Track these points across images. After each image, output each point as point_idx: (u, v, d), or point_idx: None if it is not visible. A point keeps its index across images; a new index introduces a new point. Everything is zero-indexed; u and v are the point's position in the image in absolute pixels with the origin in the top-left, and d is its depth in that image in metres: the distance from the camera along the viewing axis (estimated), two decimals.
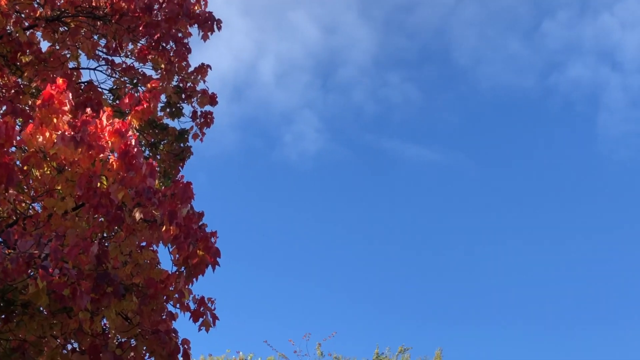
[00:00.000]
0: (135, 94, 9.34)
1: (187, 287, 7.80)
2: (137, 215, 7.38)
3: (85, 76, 13.66)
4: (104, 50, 13.35)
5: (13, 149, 7.79)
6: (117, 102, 11.95)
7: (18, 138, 7.56)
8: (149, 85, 9.03)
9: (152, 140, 14.57)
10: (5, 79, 12.14)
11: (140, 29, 12.26)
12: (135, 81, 13.72)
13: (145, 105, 8.55)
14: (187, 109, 14.36)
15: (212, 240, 7.58)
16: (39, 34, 12.24)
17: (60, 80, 7.94)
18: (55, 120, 7.61)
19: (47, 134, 7.53)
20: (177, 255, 7.51)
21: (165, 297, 7.66)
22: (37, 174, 8.04)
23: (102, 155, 7.64)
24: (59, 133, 7.48)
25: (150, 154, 14.42)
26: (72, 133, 7.49)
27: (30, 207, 8.67)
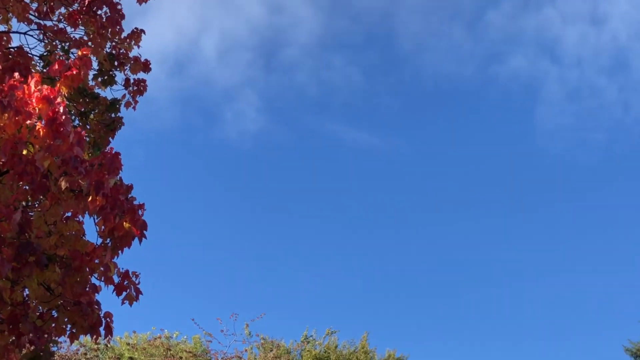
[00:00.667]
0: (66, 61, 9.12)
1: (112, 260, 7.68)
2: (63, 184, 7.22)
3: (15, 41, 13.31)
4: (35, 14, 13.01)
5: None
6: (47, 69, 11.67)
7: None
8: (79, 52, 8.80)
9: (83, 109, 14.28)
10: None
11: None
12: (67, 47, 13.41)
13: (75, 72, 8.35)
14: (119, 77, 14.12)
15: (140, 212, 7.47)
16: None
17: None
18: None
19: None
20: (102, 227, 7.38)
21: (89, 270, 7.53)
22: None
23: (28, 121, 7.45)
24: None
25: (80, 124, 14.14)
26: None
27: None
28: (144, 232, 7.50)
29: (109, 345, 30.41)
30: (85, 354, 27.93)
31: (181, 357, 29.16)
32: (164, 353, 28.40)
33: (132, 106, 14.04)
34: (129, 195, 7.85)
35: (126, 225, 7.30)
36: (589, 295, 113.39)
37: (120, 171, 7.59)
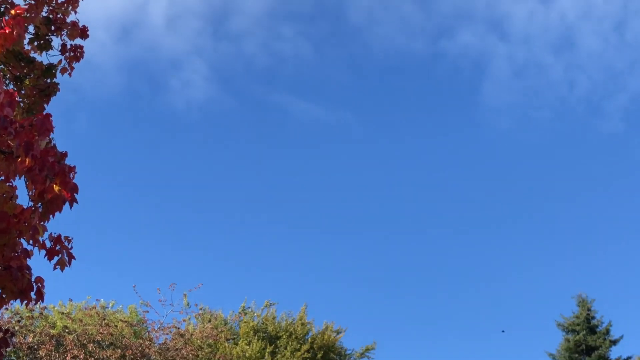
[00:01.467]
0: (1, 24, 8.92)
1: (42, 223, 7.58)
2: None
3: None
4: None
5: None
6: None
7: None
8: (13, 11, 8.62)
9: (18, 74, 14.04)
10: None
11: None
12: (2, 9, 13.12)
13: (7, 31, 8.16)
14: (56, 42, 13.90)
15: (71, 175, 7.38)
16: None
17: None
18: None
19: None
20: (32, 190, 7.27)
21: (18, 232, 7.42)
22: None
23: None
24: None
25: (15, 89, 13.88)
26: None
27: None
28: (75, 195, 7.41)
29: (42, 314, 30.10)
30: (19, 321, 27.59)
31: (116, 327, 29.00)
32: (99, 322, 28.20)
33: (68, 72, 13.83)
34: (62, 163, 7.73)
35: (56, 188, 7.19)
36: (528, 275, 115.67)
37: (51, 133, 7.48)
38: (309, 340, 44.19)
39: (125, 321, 30.73)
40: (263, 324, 43.84)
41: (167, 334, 29.71)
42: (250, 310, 45.17)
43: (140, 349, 27.20)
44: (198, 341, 33.89)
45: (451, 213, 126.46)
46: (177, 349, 28.57)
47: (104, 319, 28.94)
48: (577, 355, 51.22)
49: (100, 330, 27.19)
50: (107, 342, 27.32)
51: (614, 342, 50.98)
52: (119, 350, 26.38)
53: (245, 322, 42.88)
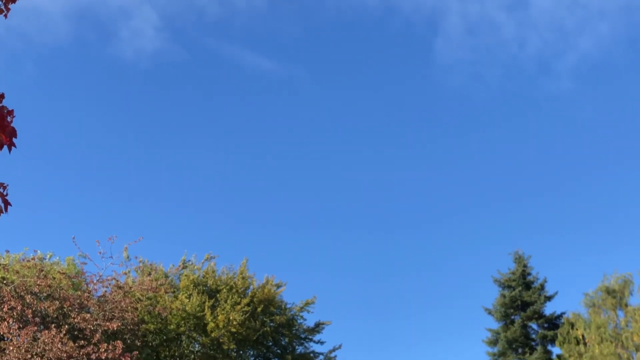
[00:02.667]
0: None
1: None
2: None
3: None
4: None
5: None
6: None
7: None
8: None
9: None
10: None
11: None
12: None
13: None
14: None
15: (9, 119, 7.11)
16: None
17: None
18: None
19: None
20: None
21: None
22: None
23: None
24: None
25: None
26: None
27: None
28: (13, 139, 7.15)
29: None
30: None
31: (54, 279, 28.58)
32: (37, 274, 27.73)
33: (4, 14, 13.33)
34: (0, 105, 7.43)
35: None
36: (467, 231, 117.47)
37: None
38: (250, 294, 44.29)
39: (64, 273, 30.31)
40: (203, 277, 43.74)
41: (106, 286, 29.43)
42: (190, 263, 45.00)
43: (78, 301, 26.90)
44: (137, 294, 33.67)
45: (398, 164, 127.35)
46: (116, 302, 28.32)
47: (42, 271, 28.48)
48: (512, 310, 52.46)
49: (38, 282, 26.76)
50: (45, 294, 26.93)
51: (549, 298, 52.31)
52: (57, 302, 26.05)
53: (185, 275, 42.72)
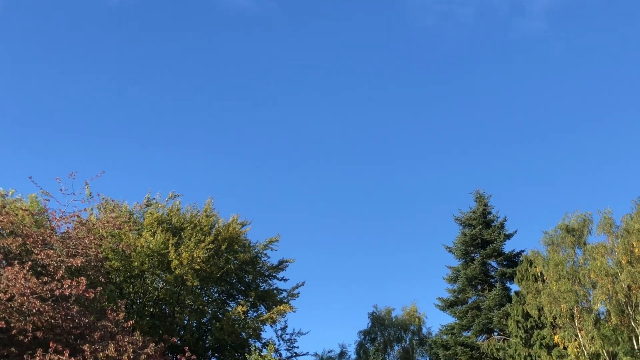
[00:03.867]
0: None
1: None
2: None
3: None
4: None
5: None
6: None
7: None
8: None
9: None
10: None
11: None
12: None
13: None
14: None
15: None
16: None
17: None
18: None
19: None
20: None
21: None
22: None
23: None
24: None
25: None
26: None
27: None
28: None
29: None
30: None
31: (17, 215, 28.37)
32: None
33: None
34: None
35: None
36: (429, 171, 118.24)
37: None
38: (214, 232, 44.45)
39: (26, 210, 30.09)
40: (167, 215, 43.75)
41: (68, 222, 29.25)
42: (154, 201, 44.92)
43: (41, 237, 26.76)
44: (101, 231, 33.60)
45: (366, 104, 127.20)
46: (79, 238, 28.23)
47: (4, 207, 28.24)
48: (472, 248, 53.32)
49: (0, 219, 26.55)
50: (7, 231, 26.76)
51: (508, 237, 53.20)
52: (20, 239, 25.90)
53: (149, 213, 42.68)
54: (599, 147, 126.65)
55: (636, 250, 38.07)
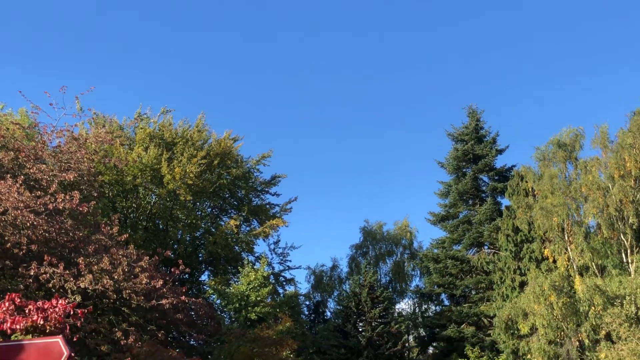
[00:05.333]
0: None
1: None
2: None
3: None
4: None
5: None
6: None
7: None
8: None
9: None
10: None
11: None
12: None
13: None
14: None
15: None
16: None
17: None
18: None
19: None
20: None
21: None
22: None
23: None
24: None
25: None
26: None
27: None
28: None
29: None
30: None
31: (8, 129, 28.10)
32: None
33: None
34: None
35: None
36: (422, 87, 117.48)
37: None
38: (206, 147, 44.34)
39: (17, 124, 29.79)
40: (159, 130, 43.50)
41: (60, 137, 28.98)
42: (145, 116, 44.60)
43: (33, 152, 26.54)
44: (93, 146, 33.39)
45: (363, 12, 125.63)
46: (71, 153, 28.03)
47: None
48: (464, 163, 53.42)
49: None
50: None
51: (500, 152, 53.25)
52: (12, 153, 25.70)
53: (141, 128, 42.43)
54: (594, 63, 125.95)
55: (628, 165, 38.15)
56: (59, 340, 7.62)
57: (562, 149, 42.35)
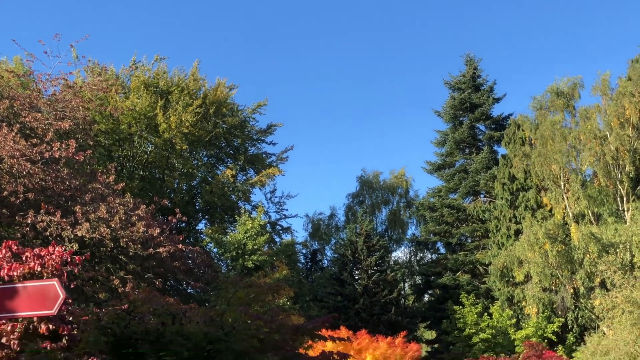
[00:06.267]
0: None
1: None
2: None
3: None
4: None
5: None
6: None
7: None
8: None
9: None
10: None
11: None
12: None
13: None
14: None
15: None
16: None
17: None
18: None
19: None
20: None
21: None
22: None
23: None
24: None
25: None
26: None
27: None
28: None
29: None
30: None
31: (2, 77, 27.88)
32: None
33: None
34: None
35: None
36: (422, 35, 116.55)
37: None
38: (201, 96, 44.12)
39: (11, 72, 29.53)
40: (154, 78, 43.21)
41: (55, 85, 28.78)
42: (141, 64, 44.24)
43: (28, 100, 26.37)
44: (88, 94, 33.22)
45: None
46: (66, 101, 27.86)
47: None
48: (461, 112, 53.25)
49: None
50: None
51: (497, 100, 53.03)
52: (7, 101, 25.53)
53: (136, 76, 42.14)
54: (594, 10, 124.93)
55: (627, 113, 38.04)
56: (55, 283, 7.65)
57: (560, 98, 42.23)
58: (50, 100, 27.87)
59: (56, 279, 8.15)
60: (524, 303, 40.13)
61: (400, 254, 68.43)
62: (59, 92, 28.84)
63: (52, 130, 25.57)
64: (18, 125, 24.84)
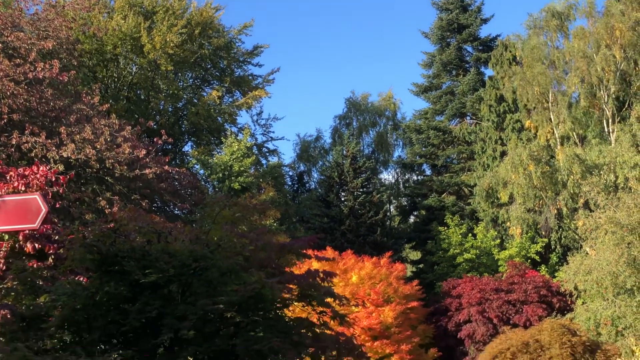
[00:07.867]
0: None
1: None
2: None
3: None
4: None
5: None
6: None
7: None
8: None
9: None
10: None
11: None
12: None
13: None
14: None
15: None
16: None
17: None
18: None
19: None
20: None
21: None
22: None
23: None
24: None
25: None
26: None
27: None
28: None
29: None
30: None
31: None
32: None
33: None
34: None
35: None
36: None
37: None
38: (187, 16, 43.51)
39: None
40: None
41: (37, 4, 28.33)
42: None
43: (10, 19, 26.01)
44: (71, 13, 32.72)
45: None
46: (49, 20, 27.49)
47: None
48: (448, 33, 52.82)
49: None
50: None
51: (485, 21, 52.56)
52: None
53: None
54: None
55: (617, 33, 37.79)
56: (37, 196, 7.67)
57: (555, 18, 41.66)
58: (32, 20, 27.51)
59: (38, 192, 8.16)
60: (508, 224, 40.62)
61: (386, 175, 68.73)
62: (42, 11, 28.42)
63: (35, 50, 25.32)
64: (0, 45, 24.56)
